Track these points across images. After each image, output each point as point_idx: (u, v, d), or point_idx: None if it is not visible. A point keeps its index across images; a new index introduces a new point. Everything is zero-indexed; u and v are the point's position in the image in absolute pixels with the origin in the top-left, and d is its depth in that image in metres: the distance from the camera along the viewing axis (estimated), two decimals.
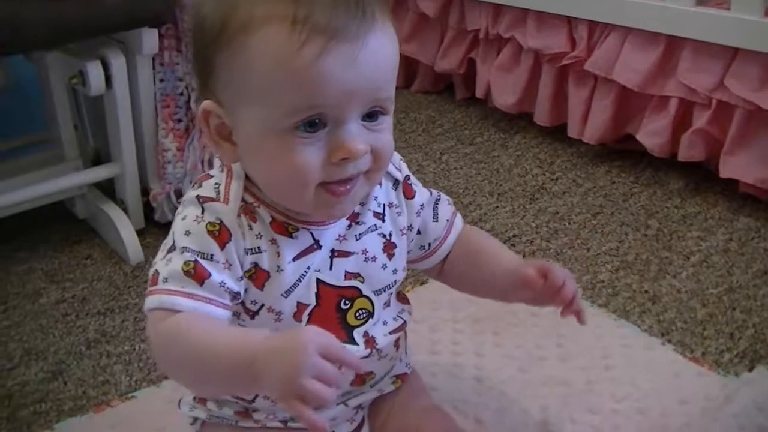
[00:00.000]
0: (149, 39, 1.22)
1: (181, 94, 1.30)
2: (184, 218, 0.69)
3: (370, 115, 0.66)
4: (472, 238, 0.83)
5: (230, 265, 0.67)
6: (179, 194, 1.32)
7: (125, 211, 1.34)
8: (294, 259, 0.70)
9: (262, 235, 0.69)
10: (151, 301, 0.67)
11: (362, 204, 0.74)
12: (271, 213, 0.70)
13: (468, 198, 1.45)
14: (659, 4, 1.37)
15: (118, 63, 1.23)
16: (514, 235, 1.32)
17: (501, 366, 1.00)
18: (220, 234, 0.67)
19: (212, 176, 0.72)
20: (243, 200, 0.70)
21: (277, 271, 0.69)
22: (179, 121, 1.31)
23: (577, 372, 0.99)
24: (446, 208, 0.82)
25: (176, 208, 1.27)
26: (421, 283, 1.19)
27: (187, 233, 0.68)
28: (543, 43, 1.56)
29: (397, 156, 0.78)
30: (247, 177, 0.71)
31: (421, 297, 1.15)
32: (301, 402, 0.57)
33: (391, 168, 0.76)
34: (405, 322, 0.80)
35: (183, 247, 0.67)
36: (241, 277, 0.69)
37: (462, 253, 0.82)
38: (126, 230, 1.31)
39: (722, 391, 0.93)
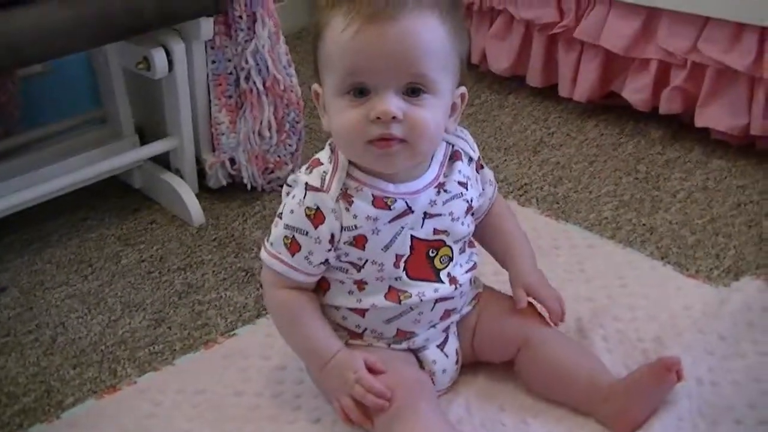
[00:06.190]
0: (206, 26, 1.37)
1: (230, 73, 1.46)
2: (293, 197, 0.91)
3: (413, 91, 0.84)
4: (496, 211, 1.05)
5: (320, 240, 0.90)
6: (233, 162, 1.49)
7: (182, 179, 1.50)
8: (390, 222, 0.90)
9: (357, 215, 0.89)
10: (261, 254, 0.94)
11: (446, 175, 0.94)
12: (372, 192, 0.89)
13: (479, 153, 1.64)
14: None
15: (179, 49, 1.38)
16: (525, 184, 1.53)
17: None
18: (315, 217, 0.89)
19: (322, 163, 0.91)
20: (344, 187, 0.89)
21: (373, 233, 0.90)
22: (230, 97, 1.47)
23: (599, 290, 1.20)
24: (489, 189, 1.03)
25: (229, 174, 1.53)
26: None
27: (291, 212, 0.91)
28: (534, 14, 1.75)
29: (471, 139, 0.99)
30: (350, 163, 0.90)
31: None
32: (346, 400, 0.91)
33: (467, 148, 0.97)
34: (475, 263, 1.01)
35: (285, 225, 0.91)
36: (330, 249, 0.90)
37: (487, 223, 1.04)
38: (188, 195, 1.46)
39: (717, 296, 1.16)
